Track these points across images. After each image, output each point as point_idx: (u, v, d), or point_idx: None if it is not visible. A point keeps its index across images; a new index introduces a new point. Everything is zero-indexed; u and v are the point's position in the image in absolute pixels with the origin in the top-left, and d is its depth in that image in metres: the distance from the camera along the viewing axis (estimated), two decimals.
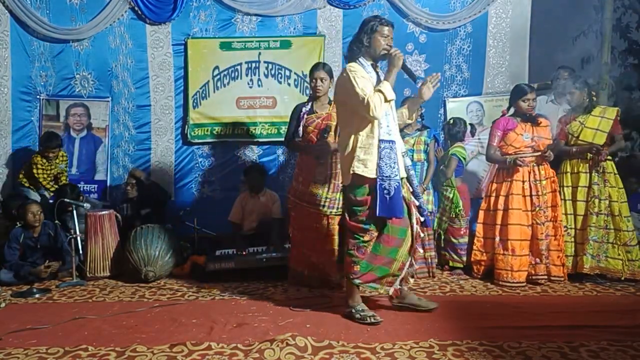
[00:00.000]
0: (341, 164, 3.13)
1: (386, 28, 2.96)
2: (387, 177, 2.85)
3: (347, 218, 3.02)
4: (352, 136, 2.94)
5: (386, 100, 2.86)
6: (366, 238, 2.95)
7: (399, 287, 3.06)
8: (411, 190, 3.06)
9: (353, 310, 3.00)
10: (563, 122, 4.06)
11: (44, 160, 4.79)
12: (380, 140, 2.89)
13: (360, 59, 2.98)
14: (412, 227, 3.00)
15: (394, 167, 2.87)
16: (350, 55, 3.03)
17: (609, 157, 3.93)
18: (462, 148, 4.32)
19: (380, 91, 2.85)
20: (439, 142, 4.44)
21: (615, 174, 3.93)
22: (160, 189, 4.86)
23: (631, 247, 3.83)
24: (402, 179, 2.96)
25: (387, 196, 2.84)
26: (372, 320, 2.91)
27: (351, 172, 2.92)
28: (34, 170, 4.77)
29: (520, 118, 3.88)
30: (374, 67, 3.06)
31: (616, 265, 3.82)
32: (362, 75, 2.89)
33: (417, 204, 3.07)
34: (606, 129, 3.90)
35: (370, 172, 2.88)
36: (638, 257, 3.83)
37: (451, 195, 4.22)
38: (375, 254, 2.98)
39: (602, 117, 3.93)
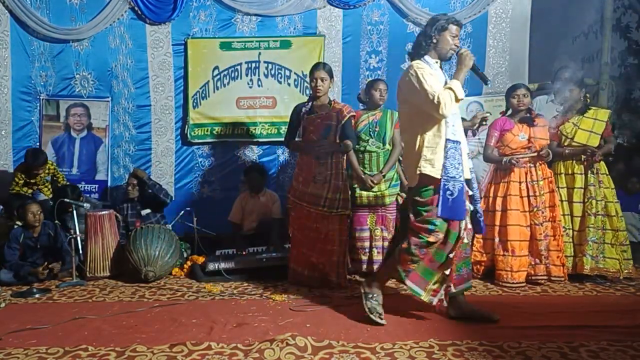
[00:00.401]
0: (406, 165, 3.03)
1: (455, 27, 2.87)
2: (451, 177, 2.76)
3: (412, 218, 2.90)
4: (419, 136, 2.85)
5: (456, 100, 2.77)
6: (431, 239, 2.82)
7: (442, 297, 2.93)
8: (470, 193, 2.93)
9: (370, 296, 2.96)
10: (556, 123, 4.06)
11: (23, 175, 4.72)
12: (446, 140, 2.80)
13: (425, 57, 2.90)
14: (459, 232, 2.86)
15: (458, 168, 2.78)
16: (417, 50, 2.94)
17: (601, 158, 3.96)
18: None
19: (450, 89, 2.75)
20: None
21: (607, 174, 3.97)
22: (162, 190, 4.85)
23: (625, 247, 3.90)
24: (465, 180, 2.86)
25: (450, 197, 2.75)
26: (377, 319, 2.88)
27: (418, 172, 2.83)
28: (13, 188, 4.71)
29: (517, 118, 3.89)
30: (439, 66, 2.96)
31: (614, 265, 3.84)
32: (430, 73, 2.81)
33: (472, 209, 2.95)
34: (599, 131, 3.93)
35: (437, 172, 2.79)
36: (630, 256, 3.90)
37: None
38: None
39: (595, 119, 3.95)
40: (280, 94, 5.13)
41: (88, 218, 4.23)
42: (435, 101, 2.70)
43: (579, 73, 4.00)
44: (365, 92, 4.20)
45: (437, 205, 2.76)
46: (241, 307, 3.31)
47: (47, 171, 4.83)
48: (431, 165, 2.81)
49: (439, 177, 2.78)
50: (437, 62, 2.93)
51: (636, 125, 5.58)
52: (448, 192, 2.76)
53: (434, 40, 2.87)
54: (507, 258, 3.77)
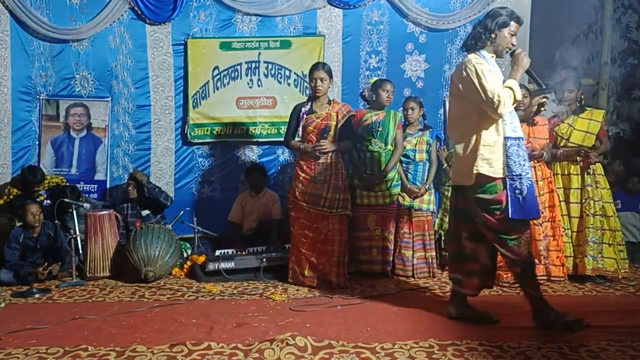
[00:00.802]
0: (458, 163, 2.90)
1: (515, 25, 2.77)
2: (517, 175, 2.67)
3: (489, 217, 2.73)
4: (475, 133, 2.75)
5: (514, 100, 2.68)
6: (513, 235, 2.72)
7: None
8: None
9: (565, 320, 2.76)
10: (551, 123, 4.06)
11: (19, 193, 4.66)
12: (506, 138, 2.71)
13: (482, 51, 2.78)
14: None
15: (524, 165, 2.69)
16: (474, 42, 2.81)
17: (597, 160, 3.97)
18: None
19: (510, 88, 2.66)
20: (442, 142, 4.44)
21: (603, 175, 3.98)
22: (162, 193, 4.82)
23: (622, 247, 3.93)
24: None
25: (520, 196, 2.66)
26: (580, 325, 2.72)
27: (475, 171, 2.72)
28: (2, 200, 4.67)
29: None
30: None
31: (612, 264, 3.86)
32: (489, 69, 2.69)
33: None
34: (595, 131, 3.94)
35: (495, 172, 2.70)
36: (626, 255, 3.94)
37: None
38: None
39: (590, 119, 3.96)
40: (280, 94, 5.13)
41: (88, 218, 4.23)
42: (495, 99, 2.60)
43: (578, 73, 4.00)
44: (372, 91, 4.19)
45: (508, 206, 2.66)
46: (241, 307, 3.31)
47: (44, 186, 4.74)
48: (489, 165, 2.71)
49: (497, 176, 2.70)
50: (493, 57, 2.81)
51: (636, 123, 5.57)
52: (517, 192, 2.66)
53: (493, 36, 2.76)
54: None
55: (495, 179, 2.71)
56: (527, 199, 2.67)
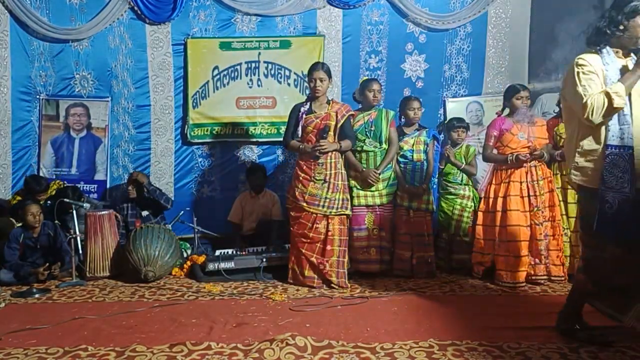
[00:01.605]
0: (567, 161, 2.71)
1: None
2: (609, 188, 2.38)
3: (580, 227, 2.59)
4: (574, 139, 2.53)
5: (610, 107, 2.35)
6: (606, 255, 2.46)
7: None
8: None
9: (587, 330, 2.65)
10: (550, 125, 4.06)
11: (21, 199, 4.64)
12: (607, 146, 2.40)
13: (606, 48, 2.47)
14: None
15: (622, 178, 2.35)
16: (597, 38, 2.50)
17: None
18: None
19: (607, 93, 2.35)
20: (439, 141, 4.44)
21: None
22: (163, 195, 4.81)
23: None
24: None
25: (609, 211, 2.37)
26: (603, 340, 2.57)
27: (572, 179, 2.56)
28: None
29: (516, 118, 3.89)
30: (624, 56, 2.50)
31: None
32: (590, 70, 2.41)
33: None
34: None
35: (589, 182, 2.45)
36: None
37: (471, 194, 4.26)
38: None
39: None
40: (280, 94, 5.13)
41: (88, 218, 4.23)
42: (582, 103, 2.37)
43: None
44: (359, 92, 4.21)
45: (595, 219, 2.41)
46: (241, 307, 3.31)
47: (47, 195, 4.73)
48: (582, 174, 2.49)
49: (590, 186, 2.45)
50: (617, 52, 2.49)
51: None
52: (607, 205, 2.38)
53: (621, 27, 2.42)
54: (507, 258, 3.76)
55: (589, 189, 2.48)
56: (618, 215, 2.38)
